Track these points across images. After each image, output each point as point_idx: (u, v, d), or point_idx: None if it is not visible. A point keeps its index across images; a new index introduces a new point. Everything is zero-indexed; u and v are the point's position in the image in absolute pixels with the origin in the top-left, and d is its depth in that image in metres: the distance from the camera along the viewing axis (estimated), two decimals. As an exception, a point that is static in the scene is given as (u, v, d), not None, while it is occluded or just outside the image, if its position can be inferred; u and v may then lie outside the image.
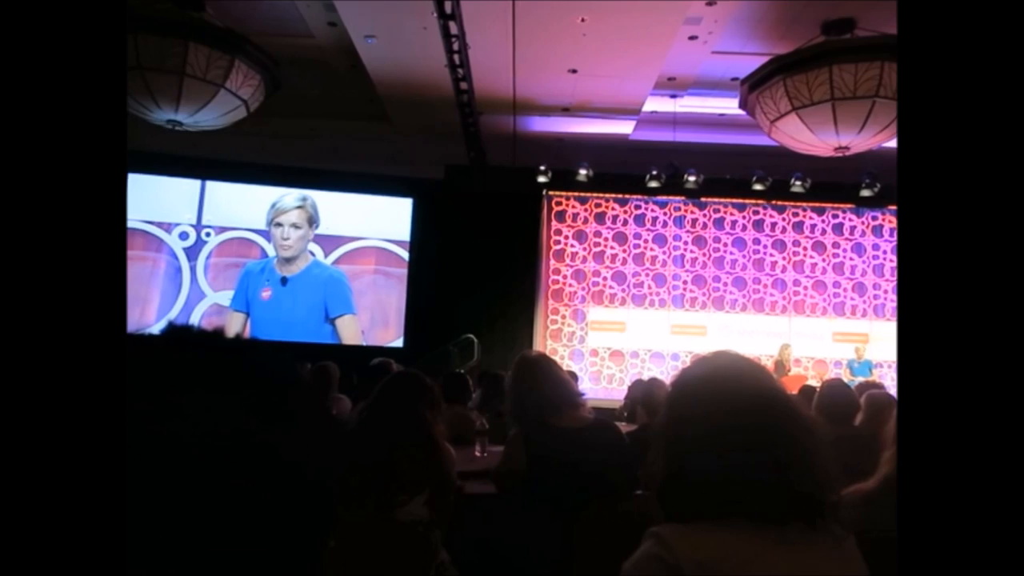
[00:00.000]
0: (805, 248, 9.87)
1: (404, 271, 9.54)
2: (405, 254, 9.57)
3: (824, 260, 9.85)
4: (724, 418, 1.00)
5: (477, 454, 3.28)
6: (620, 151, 9.13)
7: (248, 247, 9.27)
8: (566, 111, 8.25)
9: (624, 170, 9.22)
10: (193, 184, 9.20)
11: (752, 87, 6.66)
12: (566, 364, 9.32)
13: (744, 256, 9.86)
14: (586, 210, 9.93)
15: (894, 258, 9.86)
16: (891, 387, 4.44)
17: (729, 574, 0.91)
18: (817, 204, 9.79)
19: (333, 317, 9.20)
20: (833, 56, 6.05)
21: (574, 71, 7.19)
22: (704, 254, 9.87)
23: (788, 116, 6.43)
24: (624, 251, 9.87)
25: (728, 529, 0.94)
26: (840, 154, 6.75)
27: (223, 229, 9.22)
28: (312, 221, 9.34)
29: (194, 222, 9.16)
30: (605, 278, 9.83)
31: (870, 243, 9.88)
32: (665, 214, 9.93)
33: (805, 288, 9.81)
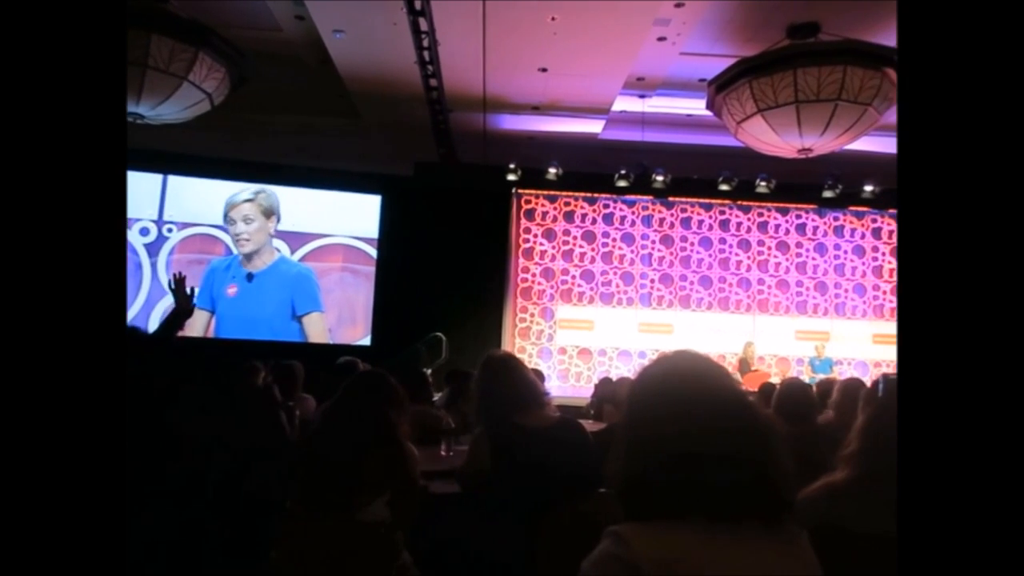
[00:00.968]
0: (769, 248, 10.06)
1: (372, 269, 9.46)
2: (373, 251, 9.49)
3: (787, 260, 10.05)
4: (683, 417, 1.01)
5: (443, 453, 3.27)
6: (589, 150, 9.17)
7: (211, 243, 9.09)
8: (536, 109, 8.26)
9: (593, 169, 9.27)
10: (155, 179, 8.99)
11: (719, 88, 6.74)
12: (534, 362, 9.36)
13: (710, 255, 10.01)
14: (555, 208, 9.97)
15: (855, 258, 10.11)
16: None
17: (686, 573, 0.91)
18: (781, 204, 9.98)
19: (300, 315, 9.09)
20: (797, 59, 6.15)
21: (544, 70, 7.20)
22: (671, 253, 9.99)
23: (754, 118, 6.52)
24: (592, 250, 9.93)
25: (686, 528, 0.95)
26: (803, 156, 6.88)
27: (186, 225, 9.03)
28: (269, 214, 9.18)
29: (155, 218, 8.95)
30: (574, 276, 9.89)
31: (832, 243, 10.11)
32: (633, 213, 10.03)
33: (769, 287, 10.00)
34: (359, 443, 1.88)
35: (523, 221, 9.94)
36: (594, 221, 9.99)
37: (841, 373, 8.98)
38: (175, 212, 9.02)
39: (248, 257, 9.07)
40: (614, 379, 6.97)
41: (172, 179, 9.06)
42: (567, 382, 9.66)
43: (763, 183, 9.03)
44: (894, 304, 10.04)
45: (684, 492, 0.97)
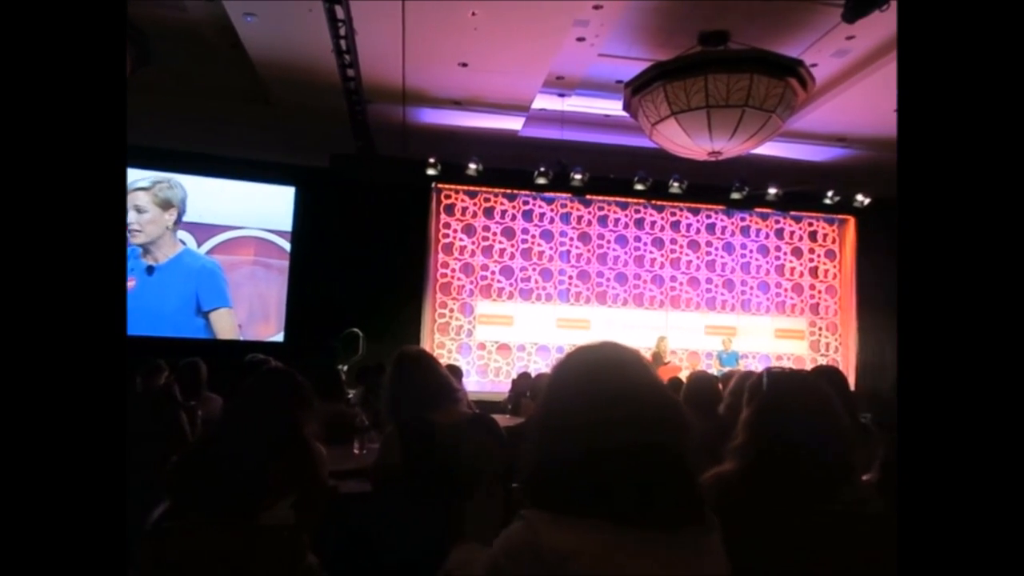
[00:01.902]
0: (681, 246, 10.44)
1: (285, 263, 9.14)
2: (287, 245, 9.18)
3: (698, 258, 10.47)
4: (600, 405, 0.99)
5: (356, 451, 3.20)
6: (510, 147, 9.21)
7: (109, 234, 8.53)
8: (457, 104, 8.21)
9: (513, 166, 9.31)
10: (45, 163, 8.34)
11: (635, 91, 6.92)
12: (453, 358, 9.32)
13: (626, 253, 10.28)
14: (475, 204, 9.96)
15: (759, 256, 10.64)
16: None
17: (584, 571, 0.91)
18: (692, 205, 10.38)
19: (207, 310, 8.67)
20: (708, 66, 6.40)
21: (465, 64, 7.17)
22: (588, 250, 10.19)
23: (667, 120, 6.74)
24: (512, 246, 9.99)
25: (590, 526, 0.93)
26: (713, 159, 7.17)
27: (80, 213, 8.43)
28: (167, 205, 8.70)
29: (45, 205, 8.31)
30: (493, 272, 9.92)
31: (739, 242, 10.60)
32: (552, 210, 10.16)
33: (680, 284, 10.38)
34: (262, 444, 1.81)
35: (443, 216, 9.87)
36: (514, 217, 10.06)
37: (747, 366, 9.44)
38: (68, 200, 8.40)
39: (145, 249, 8.56)
40: (532, 374, 7.06)
41: (64, 164, 8.43)
42: (486, 377, 9.69)
43: (676, 184, 9.36)
44: (795, 301, 10.65)
45: (591, 488, 0.95)
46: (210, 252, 8.86)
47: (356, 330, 8.27)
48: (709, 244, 10.53)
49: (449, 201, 9.90)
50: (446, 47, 6.80)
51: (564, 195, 10.01)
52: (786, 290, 10.67)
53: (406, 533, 1.96)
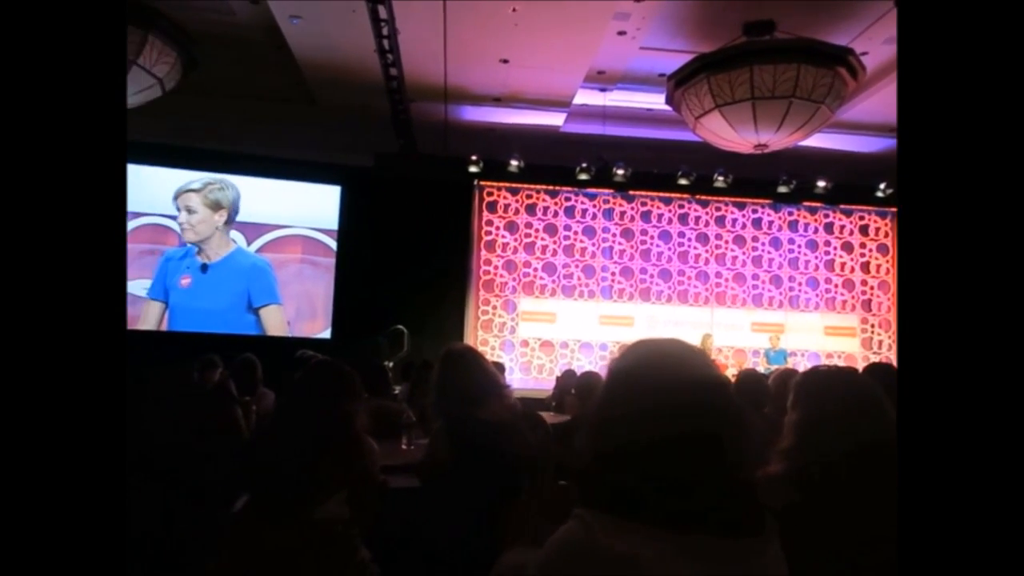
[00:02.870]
0: (726, 241, 10.25)
1: (332, 260, 9.32)
2: (333, 243, 9.35)
3: (744, 253, 10.26)
4: (659, 398, 0.95)
5: (404, 447, 3.25)
6: (551, 143, 9.19)
7: (163, 233, 8.83)
8: (498, 101, 8.23)
9: (555, 162, 9.29)
10: (103, 166, 8.68)
11: (678, 84, 6.81)
12: (496, 354, 9.36)
13: (669, 249, 10.15)
14: (517, 201, 9.97)
15: (807, 252, 10.37)
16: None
17: (642, 573, 0.87)
18: (738, 199, 10.18)
19: (257, 307, 8.90)
20: (753, 56, 6.25)
21: (506, 61, 7.17)
22: (631, 246, 10.10)
23: (711, 113, 6.62)
24: (554, 242, 9.97)
25: (648, 528, 0.89)
26: (759, 151, 7.01)
27: (137, 215, 8.75)
28: (217, 207, 8.96)
29: (104, 207, 8.64)
30: (536, 269, 9.92)
31: (786, 237, 10.35)
32: (594, 206, 10.10)
33: (726, 280, 10.20)
34: (315, 438, 1.84)
35: (485, 213, 9.91)
36: (556, 214, 10.03)
37: (795, 364, 9.22)
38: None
39: (199, 247, 8.84)
40: (576, 371, 7.04)
41: (122, 167, 8.75)
42: (529, 374, 9.70)
43: (720, 178, 9.19)
44: (846, 297, 10.35)
45: (652, 489, 0.91)
46: (260, 250, 9.09)
47: (400, 327, 8.38)
48: (755, 239, 10.31)
49: (491, 198, 9.93)
50: (487, 44, 6.82)
51: (606, 191, 9.94)
52: (836, 286, 10.38)
53: (455, 529, 1.98)
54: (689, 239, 10.21)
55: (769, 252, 10.31)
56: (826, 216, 10.42)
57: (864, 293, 10.40)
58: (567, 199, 10.05)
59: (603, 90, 8.12)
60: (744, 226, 10.32)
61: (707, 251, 10.22)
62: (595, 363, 9.39)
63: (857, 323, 10.38)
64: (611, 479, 0.95)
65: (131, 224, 8.72)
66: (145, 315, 8.61)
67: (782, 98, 6.24)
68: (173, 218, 8.84)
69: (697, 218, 10.25)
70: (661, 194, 10.08)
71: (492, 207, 9.93)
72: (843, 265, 10.41)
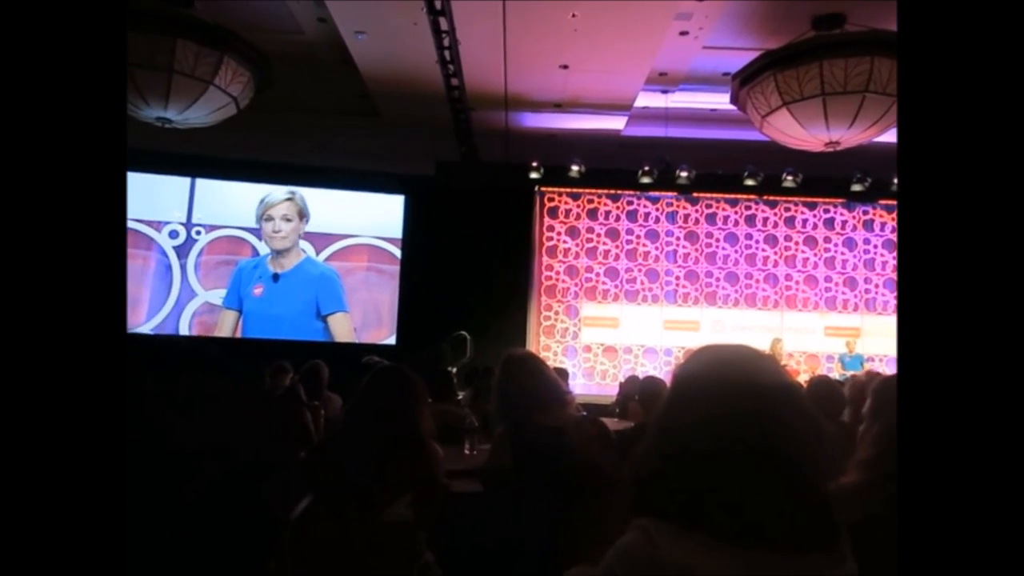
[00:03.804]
0: (796, 243, 9.90)
1: (396, 268, 9.51)
2: (397, 251, 9.55)
3: (815, 255, 9.88)
4: (727, 405, 0.92)
5: (467, 452, 3.27)
6: (612, 147, 9.12)
7: (239, 245, 9.23)
8: (558, 107, 8.23)
9: (616, 166, 9.21)
10: (183, 182, 9.15)
11: (743, 82, 6.65)
12: (559, 360, 9.33)
13: (736, 251, 9.88)
14: (578, 206, 9.93)
15: (885, 252, 9.89)
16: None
17: None
18: (808, 199, 9.82)
19: (325, 314, 9.18)
20: (823, 51, 6.04)
21: (565, 67, 7.17)
22: (696, 249, 9.89)
23: (779, 111, 6.42)
24: (616, 247, 9.87)
25: (713, 541, 0.86)
26: (831, 149, 6.75)
27: (213, 227, 9.18)
28: (303, 215, 9.34)
29: (184, 220, 9.11)
30: (598, 274, 9.84)
31: (861, 237, 9.91)
32: (657, 210, 9.94)
33: (797, 283, 9.84)
34: (381, 441, 1.88)
35: (546, 219, 9.91)
36: (618, 218, 9.93)
37: (873, 370, 8.80)
38: (203, 215, 9.17)
39: (277, 256, 9.20)
40: (640, 377, 6.93)
41: (200, 182, 9.21)
42: (592, 380, 9.62)
43: (789, 177, 8.89)
44: (927, 299, 9.81)
45: (718, 499, 0.88)
46: (328, 259, 9.38)
47: (464, 333, 8.47)
48: (827, 240, 9.92)
49: (552, 204, 9.93)
50: (547, 50, 6.83)
51: (669, 194, 9.77)
52: (916, 287, 9.86)
53: (517, 534, 1.98)
54: (757, 241, 9.91)
55: (843, 253, 9.89)
56: (904, 215, 9.92)
57: (948, 295, 9.84)
58: (629, 203, 9.94)
59: (665, 91, 8.00)
60: (815, 226, 9.94)
61: (776, 253, 9.89)
62: (659, 369, 9.23)
63: (941, 327, 9.82)
64: (675, 488, 0.92)
65: (209, 236, 9.14)
66: (221, 323, 9.00)
67: (855, 93, 6.00)
68: (248, 230, 9.22)
69: (765, 219, 9.95)
70: (727, 195, 9.83)
71: (553, 212, 9.92)
72: (924, 266, 9.88)
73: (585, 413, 2.82)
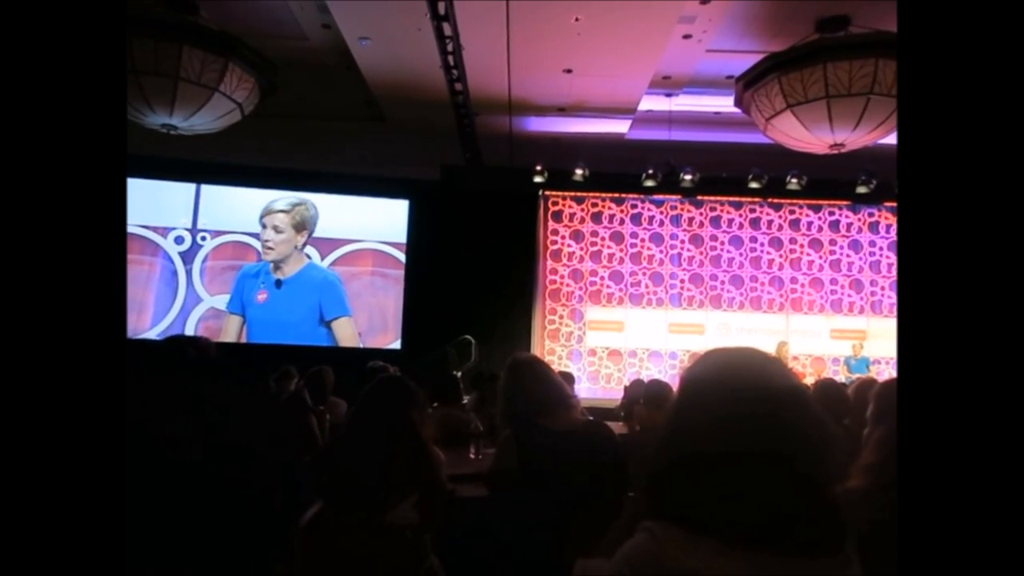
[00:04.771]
0: (802, 245, 9.87)
1: (401, 273, 9.53)
2: (402, 256, 9.56)
3: (821, 257, 9.86)
4: (734, 406, 0.92)
5: (472, 456, 3.27)
6: (616, 150, 9.12)
7: (244, 251, 9.26)
8: (562, 111, 8.24)
9: (620, 169, 9.21)
10: (188, 188, 9.19)
11: (747, 85, 6.65)
12: (564, 364, 9.32)
13: (741, 254, 9.86)
14: (583, 210, 9.93)
15: (891, 255, 9.85)
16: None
17: None
18: (813, 201, 9.80)
19: (329, 319, 9.19)
20: (827, 53, 6.04)
21: (569, 71, 7.19)
22: (701, 252, 9.87)
23: (783, 114, 6.42)
24: (621, 250, 9.86)
25: (720, 544, 0.86)
26: (835, 151, 6.74)
27: (219, 233, 9.21)
28: (301, 228, 9.31)
29: (189, 226, 9.15)
30: (602, 278, 9.83)
31: (867, 240, 9.88)
32: (662, 213, 9.93)
33: (802, 285, 9.81)
34: (382, 444, 1.90)
35: (550, 223, 9.91)
36: (622, 222, 9.92)
37: (879, 373, 8.77)
38: (208, 220, 9.21)
39: (276, 264, 9.22)
40: (645, 380, 6.92)
41: (205, 188, 9.25)
42: (597, 384, 9.60)
43: (794, 180, 8.87)
44: (933, 301, 9.77)
45: (725, 502, 0.87)
46: (332, 264, 9.40)
47: (468, 337, 8.47)
48: (833, 242, 9.88)
49: (556, 207, 9.93)
50: (550, 55, 6.85)
51: (674, 197, 9.76)
52: (923, 290, 9.81)
53: (523, 539, 1.98)
54: (762, 244, 9.89)
55: (848, 255, 9.86)
56: (910, 217, 9.88)
57: (955, 297, 9.79)
58: (633, 206, 9.93)
59: (669, 95, 8.01)
60: (821, 229, 9.92)
61: (781, 256, 9.87)
62: (664, 372, 9.21)
63: (947, 329, 9.77)
64: (682, 491, 0.92)
65: (214, 242, 9.17)
66: (226, 328, 9.03)
67: (859, 95, 5.99)
68: (254, 236, 9.25)
69: (770, 222, 9.92)
70: (731, 198, 9.82)
71: (558, 216, 9.92)
72: (930, 268, 9.84)
73: (590, 417, 2.82)
